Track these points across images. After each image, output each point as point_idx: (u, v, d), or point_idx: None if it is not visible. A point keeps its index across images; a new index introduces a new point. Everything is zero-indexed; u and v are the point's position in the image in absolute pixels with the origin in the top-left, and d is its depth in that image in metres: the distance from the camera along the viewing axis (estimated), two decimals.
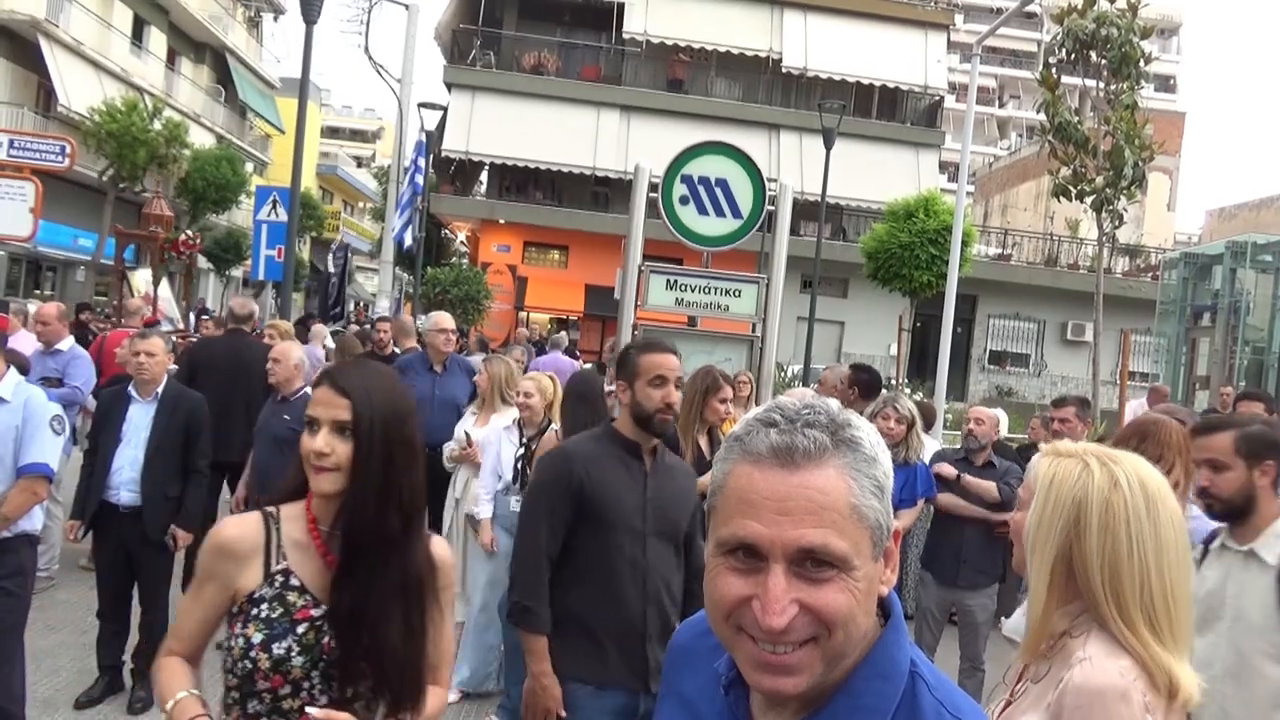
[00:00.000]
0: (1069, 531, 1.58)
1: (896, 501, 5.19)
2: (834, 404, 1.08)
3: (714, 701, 1.13)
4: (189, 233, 15.36)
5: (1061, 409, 5.60)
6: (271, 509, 1.95)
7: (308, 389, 5.68)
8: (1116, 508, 1.55)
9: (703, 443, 4.72)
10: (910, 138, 27.70)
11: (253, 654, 1.81)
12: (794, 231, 14.05)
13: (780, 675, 1.00)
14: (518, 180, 27.35)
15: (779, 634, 0.98)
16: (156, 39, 29.76)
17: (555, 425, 5.21)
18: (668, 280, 8.94)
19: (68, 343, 6.74)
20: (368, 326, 16.41)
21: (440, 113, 20.85)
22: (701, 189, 9.12)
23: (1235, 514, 2.79)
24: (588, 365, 9.55)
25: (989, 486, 5.16)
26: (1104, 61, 13.46)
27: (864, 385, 6.21)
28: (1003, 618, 5.36)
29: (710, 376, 4.81)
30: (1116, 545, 1.54)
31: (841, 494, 1.00)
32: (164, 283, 15.52)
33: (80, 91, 23.74)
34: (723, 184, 9.13)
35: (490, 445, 5.34)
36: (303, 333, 10.37)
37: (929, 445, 5.88)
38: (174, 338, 10.55)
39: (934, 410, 7.38)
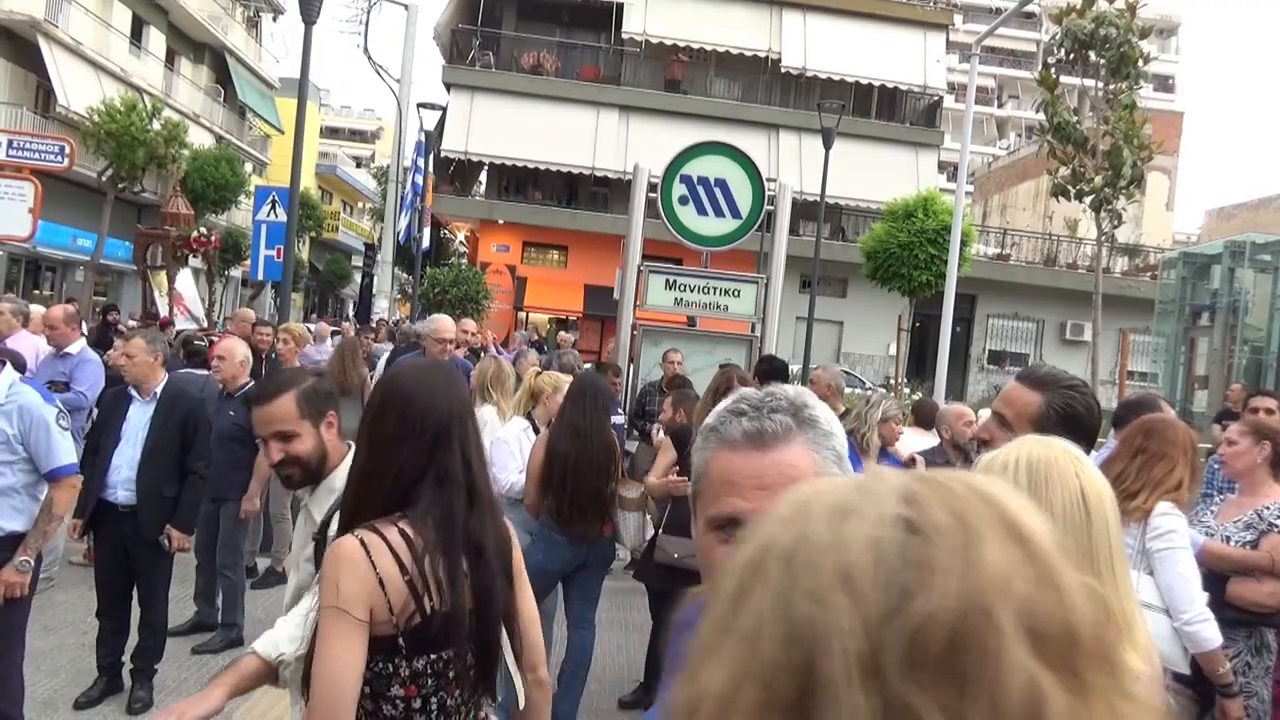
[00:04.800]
0: None
1: None
2: (790, 389, 1.23)
3: None
4: (202, 230, 15.34)
5: None
6: None
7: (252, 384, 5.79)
8: None
9: None
10: (909, 137, 27.71)
11: None
12: (793, 231, 14.06)
13: None
14: (517, 180, 27.35)
15: None
16: (156, 39, 29.72)
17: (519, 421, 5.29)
18: (667, 280, 8.95)
19: (77, 345, 6.66)
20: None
21: (439, 113, 20.85)
22: (701, 189, 9.13)
23: None
24: (588, 365, 9.54)
25: None
26: (1103, 61, 13.48)
27: (763, 375, 6.24)
28: None
29: (724, 377, 4.89)
30: None
31: (808, 466, 1.15)
32: (189, 281, 15.48)
33: (79, 92, 23.71)
34: (722, 184, 9.14)
35: (511, 443, 5.28)
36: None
37: (921, 443, 5.86)
38: (199, 338, 10.58)
39: (935, 407, 7.37)
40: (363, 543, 1.81)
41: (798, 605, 0.52)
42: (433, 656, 1.87)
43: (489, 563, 1.96)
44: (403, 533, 1.85)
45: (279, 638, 2.17)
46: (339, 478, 2.40)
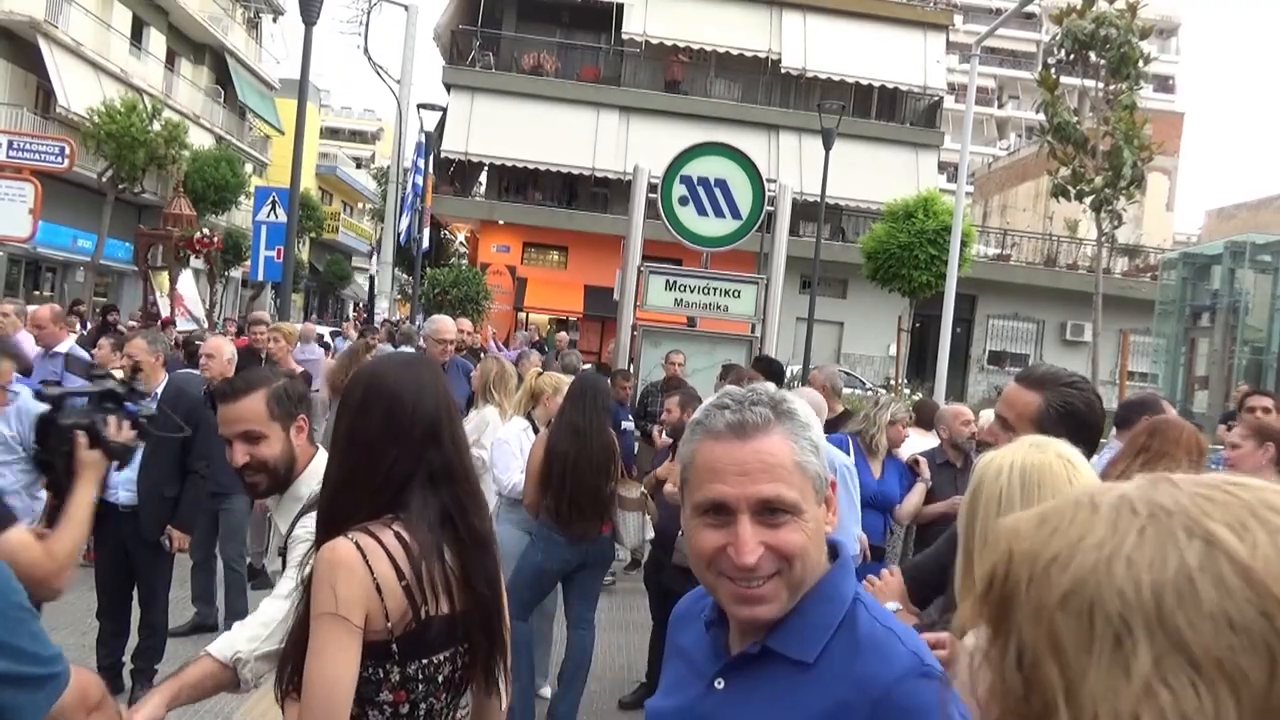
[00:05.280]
0: (967, 509, 1.79)
1: (901, 491, 5.18)
2: (770, 386, 1.35)
3: (701, 644, 1.38)
4: (205, 231, 15.35)
5: None
6: None
7: None
8: (991, 493, 1.73)
9: None
10: (909, 138, 27.71)
11: None
12: (793, 232, 14.06)
13: (756, 605, 1.25)
14: (517, 181, 27.36)
15: (751, 570, 1.22)
16: (156, 40, 29.72)
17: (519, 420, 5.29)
18: (667, 281, 8.95)
19: (66, 344, 6.73)
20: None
21: (439, 113, 20.85)
22: (701, 189, 9.13)
23: None
24: (587, 366, 9.54)
25: None
26: (1103, 62, 13.49)
27: (763, 375, 6.30)
28: None
29: (734, 373, 4.89)
30: (981, 523, 1.73)
31: (787, 454, 1.25)
32: (190, 282, 15.51)
33: (79, 92, 23.71)
34: (722, 184, 9.13)
35: (512, 443, 5.28)
36: None
37: (922, 444, 5.86)
38: (200, 339, 10.63)
39: (936, 407, 7.36)
40: (358, 546, 1.75)
41: (1255, 620, 0.58)
42: (424, 661, 1.82)
43: (494, 555, 1.92)
44: (398, 536, 1.79)
45: (236, 639, 2.11)
46: (304, 485, 2.31)
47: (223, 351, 5.71)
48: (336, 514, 1.85)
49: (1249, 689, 0.56)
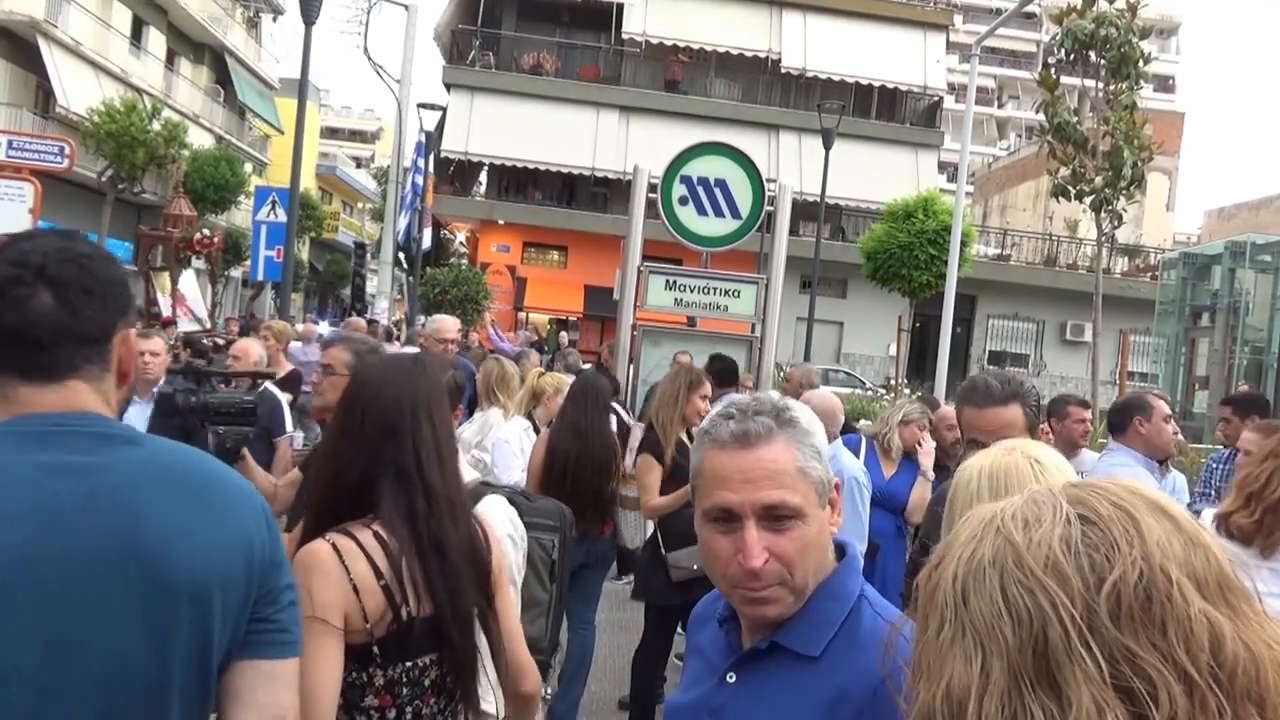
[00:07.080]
0: (946, 514, 1.81)
1: (907, 491, 5.14)
2: (775, 395, 1.41)
3: (716, 640, 1.45)
4: (205, 231, 15.34)
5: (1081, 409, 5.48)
6: None
7: (268, 383, 5.81)
8: (964, 498, 1.75)
9: (686, 440, 4.68)
10: (909, 138, 27.71)
11: None
12: (793, 232, 14.04)
13: (764, 605, 1.32)
14: (517, 180, 27.36)
15: (757, 574, 1.28)
16: (155, 39, 29.71)
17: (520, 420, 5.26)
18: (667, 280, 8.94)
19: None
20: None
21: (439, 113, 20.84)
22: (701, 189, 9.12)
23: None
24: (588, 366, 9.53)
25: None
26: (1103, 62, 13.44)
27: (717, 374, 6.30)
28: None
29: (693, 372, 4.79)
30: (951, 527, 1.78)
31: (789, 461, 1.31)
32: (192, 282, 15.50)
33: (79, 92, 23.69)
34: (722, 184, 9.12)
35: (513, 442, 5.26)
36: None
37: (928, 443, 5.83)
38: (205, 339, 10.61)
39: (938, 404, 7.36)
40: (334, 547, 1.75)
41: (1018, 596, 0.72)
42: (408, 664, 1.80)
43: (453, 565, 1.86)
44: (377, 535, 1.78)
45: None
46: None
47: (249, 354, 5.71)
48: (315, 511, 1.88)
49: (1007, 649, 0.71)
